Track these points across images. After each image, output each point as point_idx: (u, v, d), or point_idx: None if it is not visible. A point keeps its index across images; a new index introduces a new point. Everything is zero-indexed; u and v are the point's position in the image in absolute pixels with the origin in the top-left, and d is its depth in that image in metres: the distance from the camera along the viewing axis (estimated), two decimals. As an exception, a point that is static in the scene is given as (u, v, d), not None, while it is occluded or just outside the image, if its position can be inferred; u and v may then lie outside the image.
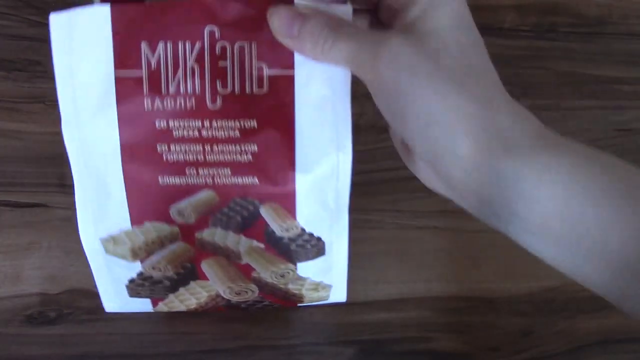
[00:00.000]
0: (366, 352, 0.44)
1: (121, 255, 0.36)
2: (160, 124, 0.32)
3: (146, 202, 0.34)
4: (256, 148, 0.33)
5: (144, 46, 0.31)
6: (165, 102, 0.32)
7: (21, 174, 0.45)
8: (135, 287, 0.38)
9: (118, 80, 0.31)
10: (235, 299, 0.40)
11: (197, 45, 0.31)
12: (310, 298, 0.41)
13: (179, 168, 0.33)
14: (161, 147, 0.33)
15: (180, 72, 0.31)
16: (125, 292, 0.39)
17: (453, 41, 0.28)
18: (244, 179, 0.34)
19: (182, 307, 0.40)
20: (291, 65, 0.32)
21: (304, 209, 0.35)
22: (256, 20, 0.31)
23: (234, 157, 0.33)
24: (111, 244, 0.36)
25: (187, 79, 0.32)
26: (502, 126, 0.27)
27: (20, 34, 0.46)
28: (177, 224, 0.35)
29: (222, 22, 0.31)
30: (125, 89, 0.31)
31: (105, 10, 0.30)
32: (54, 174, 0.45)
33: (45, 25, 0.47)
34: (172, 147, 0.33)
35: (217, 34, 0.31)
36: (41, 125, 0.46)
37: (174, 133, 0.32)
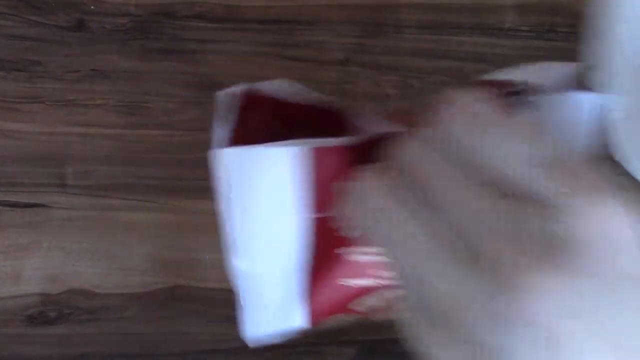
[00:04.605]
0: (366, 352, 0.44)
1: None
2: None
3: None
4: None
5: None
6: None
7: (21, 174, 0.45)
8: None
9: (312, 220, 0.27)
10: None
11: None
12: None
13: (362, 270, 0.31)
14: (342, 251, 0.30)
15: None
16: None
17: None
18: None
19: None
20: None
21: None
22: None
23: None
24: None
25: None
26: None
27: (20, 34, 0.46)
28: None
29: None
30: (317, 225, 0.28)
31: (303, 151, 0.25)
32: (54, 174, 0.45)
33: (46, 25, 0.47)
34: (354, 250, 0.30)
35: None
36: (41, 125, 0.46)
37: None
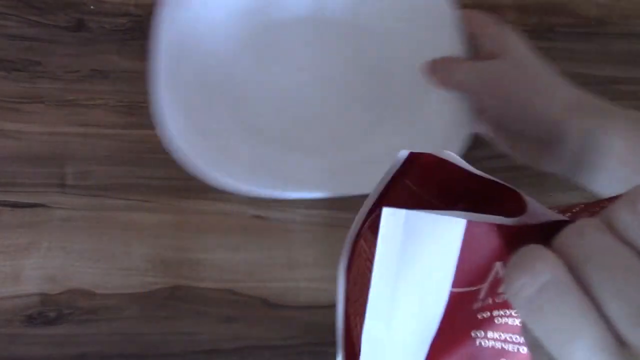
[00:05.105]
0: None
1: None
2: (483, 315, 0.29)
3: None
4: None
5: (497, 266, 0.26)
6: (496, 298, 0.28)
7: (21, 174, 0.45)
8: None
9: (454, 295, 0.27)
10: None
11: None
12: None
13: (493, 356, 0.30)
14: (476, 333, 0.29)
15: None
16: None
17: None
18: None
19: None
20: None
21: None
22: None
23: None
24: None
25: None
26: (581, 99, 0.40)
27: (20, 34, 0.46)
28: None
29: None
30: (458, 300, 0.27)
31: (460, 223, 0.24)
32: (54, 174, 0.45)
33: (46, 25, 0.47)
34: (490, 334, 0.29)
35: None
36: (41, 125, 0.46)
37: (496, 320, 0.29)
